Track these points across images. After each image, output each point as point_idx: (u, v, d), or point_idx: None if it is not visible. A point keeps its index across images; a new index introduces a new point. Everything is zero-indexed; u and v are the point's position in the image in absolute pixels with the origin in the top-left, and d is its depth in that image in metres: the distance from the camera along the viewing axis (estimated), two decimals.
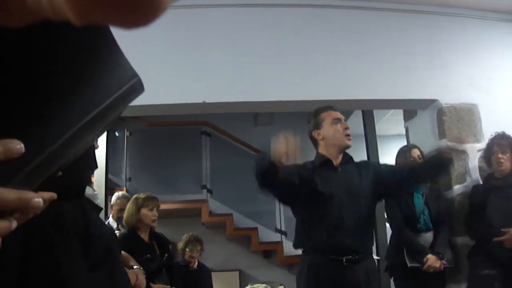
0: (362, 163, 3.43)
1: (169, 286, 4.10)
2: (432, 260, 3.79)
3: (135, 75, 0.60)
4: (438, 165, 3.26)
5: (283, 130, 2.78)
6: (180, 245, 5.82)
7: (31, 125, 0.54)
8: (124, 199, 4.86)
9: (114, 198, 5.11)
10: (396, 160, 4.18)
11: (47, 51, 0.54)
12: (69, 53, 0.55)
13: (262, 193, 3.14)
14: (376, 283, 3.22)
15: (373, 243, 3.32)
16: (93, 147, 1.43)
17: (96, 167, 1.51)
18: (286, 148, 2.68)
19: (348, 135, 3.24)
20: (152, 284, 3.82)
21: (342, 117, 3.30)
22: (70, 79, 0.55)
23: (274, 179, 2.90)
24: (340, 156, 3.30)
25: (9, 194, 0.53)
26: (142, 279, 3.42)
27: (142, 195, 4.28)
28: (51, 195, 0.90)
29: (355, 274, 3.04)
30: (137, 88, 0.60)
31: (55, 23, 0.50)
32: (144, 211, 4.14)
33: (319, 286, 3.10)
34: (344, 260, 3.03)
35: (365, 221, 3.20)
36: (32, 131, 0.54)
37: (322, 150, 3.35)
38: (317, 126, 3.34)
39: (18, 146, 0.52)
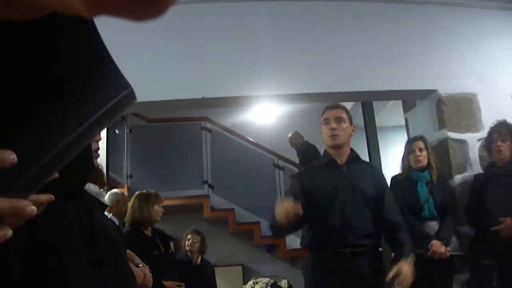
0: (370, 166, 3.50)
1: (179, 283, 4.11)
2: (437, 246, 3.78)
3: (127, 85, 0.60)
4: (397, 250, 3.23)
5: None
6: (183, 241, 5.88)
7: (24, 135, 0.55)
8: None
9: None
10: (403, 156, 4.21)
11: (41, 62, 0.54)
12: (62, 64, 0.55)
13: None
14: (380, 276, 3.16)
15: (379, 236, 3.31)
16: (90, 149, 1.44)
17: (93, 168, 1.51)
18: (285, 212, 2.83)
19: (332, 135, 3.26)
20: (163, 282, 3.83)
21: (334, 116, 3.30)
22: (63, 90, 0.56)
23: (288, 230, 3.25)
24: (346, 154, 3.33)
25: (2, 203, 0.53)
26: (149, 277, 3.43)
27: (149, 192, 4.29)
28: (49, 197, 0.91)
29: (359, 266, 3.07)
30: (130, 98, 0.61)
31: (48, 33, 0.51)
32: (156, 207, 4.16)
33: (323, 279, 3.13)
34: (347, 252, 3.07)
35: (369, 217, 3.21)
36: (26, 141, 0.54)
37: (327, 148, 3.41)
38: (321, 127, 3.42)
39: (11, 156, 0.52)
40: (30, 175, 0.55)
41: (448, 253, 3.80)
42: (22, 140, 0.54)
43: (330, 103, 3.50)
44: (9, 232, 0.56)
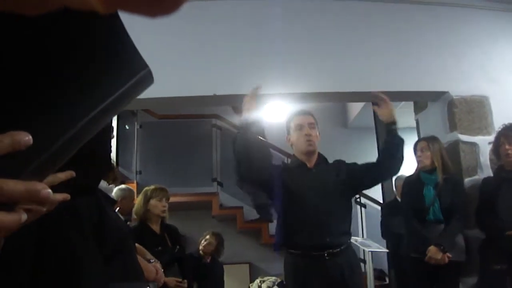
0: (335, 162, 3.53)
1: (181, 279, 4.11)
2: (432, 252, 3.78)
3: (145, 66, 0.60)
4: (388, 147, 3.35)
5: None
6: (200, 239, 5.93)
7: (41, 116, 0.54)
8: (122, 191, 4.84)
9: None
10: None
11: (58, 41, 0.54)
12: (80, 44, 0.55)
13: (241, 184, 3.38)
14: (359, 274, 3.35)
15: (351, 235, 3.43)
16: (110, 147, 1.44)
17: (110, 166, 1.51)
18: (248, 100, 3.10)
19: (308, 140, 3.34)
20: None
21: (307, 122, 3.39)
22: (81, 69, 0.55)
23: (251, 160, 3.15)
24: (314, 158, 3.43)
25: (17, 186, 0.52)
26: (161, 273, 3.44)
27: (151, 187, 4.31)
28: (64, 196, 0.91)
29: (338, 265, 3.17)
30: (147, 79, 0.60)
31: (66, 14, 0.51)
32: (153, 202, 4.17)
33: (305, 284, 3.20)
34: (325, 255, 3.15)
35: (342, 216, 3.33)
36: (42, 122, 0.54)
37: (295, 153, 3.49)
38: (288, 131, 3.49)
39: (26, 138, 0.51)
40: (45, 158, 0.54)
41: (446, 259, 3.78)
42: (37, 122, 0.54)
43: (299, 109, 3.57)
44: (24, 216, 0.55)
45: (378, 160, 3.39)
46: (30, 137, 0.52)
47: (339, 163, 3.50)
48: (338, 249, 3.18)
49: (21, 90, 0.54)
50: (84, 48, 0.55)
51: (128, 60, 0.58)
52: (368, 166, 3.42)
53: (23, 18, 0.45)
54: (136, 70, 0.59)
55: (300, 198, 3.26)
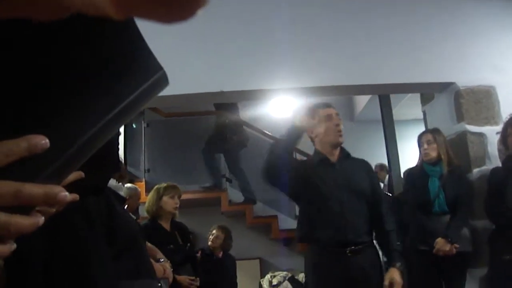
0: (361, 161, 3.52)
1: (193, 277, 4.13)
2: (440, 244, 3.79)
3: (160, 68, 0.60)
4: (387, 256, 3.34)
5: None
6: (208, 234, 5.95)
7: (56, 120, 0.54)
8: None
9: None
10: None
11: (72, 44, 0.55)
12: (96, 47, 0.56)
13: (270, 184, 3.41)
14: (379, 271, 3.30)
15: (373, 234, 3.40)
16: (117, 147, 1.45)
17: (119, 166, 1.52)
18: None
19: (339, 131, 3.32)
20: (177, 276, 3.86)
21: (334, 113, 3.37)
22: (97, 72, 0.56)
23: (282, 170, 3.24)
24: (337, 152, 3.39)
25: (35, 189, 0.52)
26: (170, 272, 3.45)
27: (163, 184, 4.33)
28: (73, 197, 0.92)
29: (360, 263, 3.15)
30: (162, 81, 0.61)
31: (81, 17, 0.51)
32: (165, 198, 4.19)
33: (326, 280, 3.20)
34: (348, 251, 3.14)
35: (365, 214, 3.29)
36: (58, 126, 0.54)
37: (317, 146, 3.46)
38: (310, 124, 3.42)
39: (43, 141, 0.52)
40: (61, 161, 0.55)
41: (454, 250, 3.78)
42: (53, 125, 0.54)
43: (321, 102, 3.54)
44: (41, 219, 0.56)
45: (378, 234, 3.40)
46: (47, 140, 0.52)
47: (366, 165, 3.52)
48: (360, 246, 3.17)
49: (37, 93, 0.54)
50: (98, 51, 0.56)
51: (142, 62, 0.59)
52: (378, 219, 3.36)
53: (37, 23, 0.46)
54: (151, 73, 0.59)
55: (324, 194, 3.24)
